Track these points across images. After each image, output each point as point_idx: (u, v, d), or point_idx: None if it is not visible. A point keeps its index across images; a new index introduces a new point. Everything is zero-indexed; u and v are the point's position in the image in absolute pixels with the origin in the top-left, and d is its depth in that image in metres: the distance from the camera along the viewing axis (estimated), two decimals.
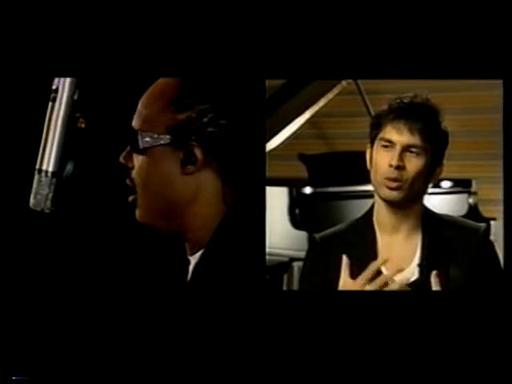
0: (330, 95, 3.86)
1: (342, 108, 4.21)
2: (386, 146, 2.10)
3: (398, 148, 2.08)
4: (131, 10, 2.49)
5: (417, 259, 2.13)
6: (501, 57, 2.50)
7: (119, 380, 2.47)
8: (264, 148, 2.56)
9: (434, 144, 2.10)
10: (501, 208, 3.39)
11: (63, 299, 2.47)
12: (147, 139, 1.78)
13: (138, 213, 1.83)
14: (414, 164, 2.09)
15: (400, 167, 2.08)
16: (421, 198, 2.15)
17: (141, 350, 2.48)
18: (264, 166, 2.47)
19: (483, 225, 2.17)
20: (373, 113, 3.87)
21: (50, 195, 1.86)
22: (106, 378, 2.47)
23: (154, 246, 2.14)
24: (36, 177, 1.86)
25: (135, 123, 1.82)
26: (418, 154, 2.09)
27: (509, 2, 2.49)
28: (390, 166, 2.08)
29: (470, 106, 4.21)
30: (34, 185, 1.86)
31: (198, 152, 1.77)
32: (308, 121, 3.88)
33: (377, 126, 2.13)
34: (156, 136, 1.77)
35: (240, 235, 1.81)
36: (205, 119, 1.77)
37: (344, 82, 3.85)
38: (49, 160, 1.86)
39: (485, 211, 3.95)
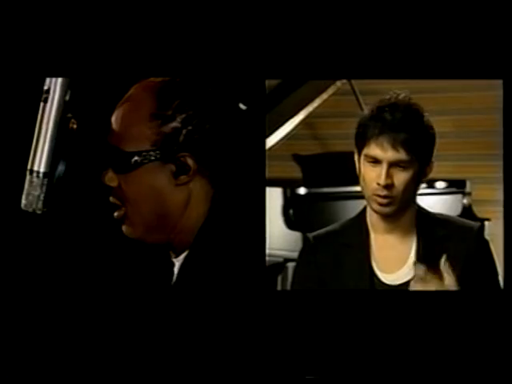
0: (324, 96, 3.86)
1: (337, 108, 4.21)
2: (371, 162, 2.08)
3: (384, 166, 2.05)
4: (125, 10, 2.49)
5: (412, 258, 2.13)
6: (501, 57, 2.50)
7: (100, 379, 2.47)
8: (264, 148, 2.56)
9: (420, 151, 2.07)
10: (494, 208, 3.39)
11: (54, 300, 2.47)
12: (135, 158, 1.75)
13: (126, 229, 1.82)
14: (402, 178, 2.06)
15: (388, 185, 2.05)
16: (413, 201, 2.15)
17: (131, 351, 2.48)
18: (264, 166, 2.47)
19: (477, 223, 2.16)
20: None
21: (42, 196, 1.85)
22: (90, 381, 2.47)
23: (141, 248, 2.14)
24: (27, 177, 1.85)
25: (114, 140, 1.79)
26: (405, 167, 2.06)
27: (509, 2, 2.49)
28: (378, 184, 2.06)
29: (465, 106, 4.21)
30: (26, 185, 1.85)
31: (190, 161, 1.76)
32: (302, 121, 3.88)
33: (362, 138, 2.10)
34: (144, 154, 1.75)
35: (227, 235, 1.80)
36: (190, 127, 1.75)
37: (338, 83, 3.85)
38: (40, 161, 1.84)
39: (479, 212, 3.96)
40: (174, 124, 1.75)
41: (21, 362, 2.48)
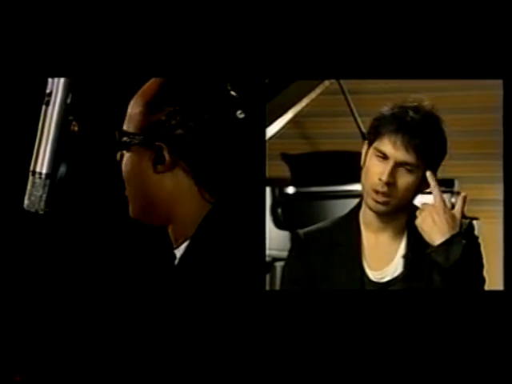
0: (312, 95, 3.88)
1: (325, 108, 4.23)
2: (379, 157, 2.08)
3: (390, 163, 2.05)
4: (126, 13, 2.49)
5: (402, 251, 2.14)
6: (501, 57, 2.50)
7: (103, 375, 2.48)
8: (264, 148, 2.57)
9: (429, 160, 2.08)
10: (483, 208, 3.43)
11: (57, 298, 2.48)
12: (124, 138, 1.83)
13: (129, 208, 1.88)
14: (405, 180, 2.07)
15: (390, 183, 2.05)
16: (409, 206, 2.15)
17: (135, 344, 2.49)
18: (264, 166, 2.49)
19: (466, 221, 2.16)
20: (356, 113, 3.90)
21: (44, 196, 1.88)
22: (90, 373, 2.48)
23: (143, 242, 2.16)
24: (30, 179, 1.88)
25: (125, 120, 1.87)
26: (411, 171, 2.06)
27: (509, 2, 2.49)
28: (380, 179, 2.06)
29: (456, 105, 4.23)
30: (28, 186, 1.88)
31: (165, 153, 1.81)
32: (291, 120, 3.89)
33: (375, 131, 2.10)
34: (131, 136, 1.82)
35: (229, 229, 1.83)
36: (173, 121, 1.80)
37: (327, 82, 3.86)
38: (42, 162, 1.87)
39: (467, 211, 3.98)
40: (160, 115, 1.80)
41: (21, 362, 2.49)
